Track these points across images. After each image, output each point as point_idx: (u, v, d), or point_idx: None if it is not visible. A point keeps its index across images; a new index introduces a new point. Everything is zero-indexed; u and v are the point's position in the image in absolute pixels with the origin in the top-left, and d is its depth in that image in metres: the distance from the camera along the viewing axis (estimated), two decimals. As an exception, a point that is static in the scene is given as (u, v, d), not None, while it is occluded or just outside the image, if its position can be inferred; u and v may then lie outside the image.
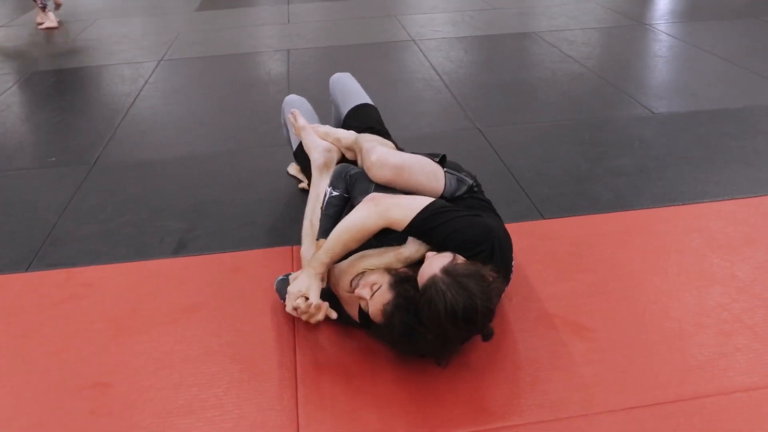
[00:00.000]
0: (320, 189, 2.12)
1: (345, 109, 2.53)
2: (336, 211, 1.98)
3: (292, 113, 2.38)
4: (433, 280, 1.51)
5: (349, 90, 2.59)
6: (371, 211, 1.74)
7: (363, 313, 1.71)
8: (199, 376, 1.77)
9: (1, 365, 1.85)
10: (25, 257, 2.38)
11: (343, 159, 2.25)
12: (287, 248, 2.36)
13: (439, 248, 1.68)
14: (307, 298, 1.73)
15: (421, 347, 1.58)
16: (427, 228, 1.68)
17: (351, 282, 1.73)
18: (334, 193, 2.01)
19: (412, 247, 1.72)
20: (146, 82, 4.32)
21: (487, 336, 1.57)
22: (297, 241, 2.20)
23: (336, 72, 2.74)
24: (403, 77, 4.23)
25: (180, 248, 2.41)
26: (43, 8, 5.93)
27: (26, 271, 2.32)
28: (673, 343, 1.81)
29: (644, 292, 2.02)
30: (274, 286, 2.01)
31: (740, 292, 2.01)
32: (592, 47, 4.76)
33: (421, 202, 1.72)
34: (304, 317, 1.77)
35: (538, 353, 1.79)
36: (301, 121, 2.34)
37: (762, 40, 4.68)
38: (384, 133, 2.38)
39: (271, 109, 3.65)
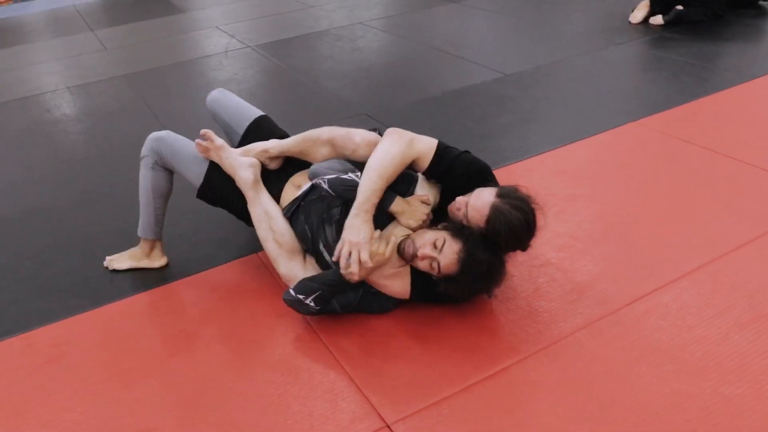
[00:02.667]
0: (265, 205, 2.03)
1: (241, 127, 2.29)
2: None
3: (204, 135, 2.07)
4: (497, 207, 1.70)
5: (236, 106, 2.35)
6: (401, 142, 1.84)
7: (420, 278, 1.81)
8: (250, 395, 1.75)
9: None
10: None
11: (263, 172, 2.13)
12: (254, 256, 2.34)
13: (451, 181, 1.88)
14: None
15: (495, 279, 1.73)
16: (449, 158, 1.86)
17: (403, 250, 1.79)
18: (351, 176, 1.93)
19: (428, 190, 1.90)
20: None
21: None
22: (251, 249, 2.28)
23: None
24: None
25: (141, 283, 2.28)
26: None
27: (-30, 351, 2.04)
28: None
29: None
30: (289, 297, 1.88)
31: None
32: (421, 27, 5.15)
33: (430, 139, 1.92)
34: (354, 268, 1.77)
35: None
36: (219, 140, 2.09)
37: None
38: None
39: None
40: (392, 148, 1.84)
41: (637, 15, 4.74)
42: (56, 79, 4.78)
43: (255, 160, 2.10)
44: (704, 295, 1.92)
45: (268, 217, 2.02)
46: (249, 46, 5.09)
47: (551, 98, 3.50)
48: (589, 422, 1.54)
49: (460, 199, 1.83)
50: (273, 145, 2.12)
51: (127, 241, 2.43)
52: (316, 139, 2.07)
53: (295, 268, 1.99)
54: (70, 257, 2.48)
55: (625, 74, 3.80)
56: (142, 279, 2.29)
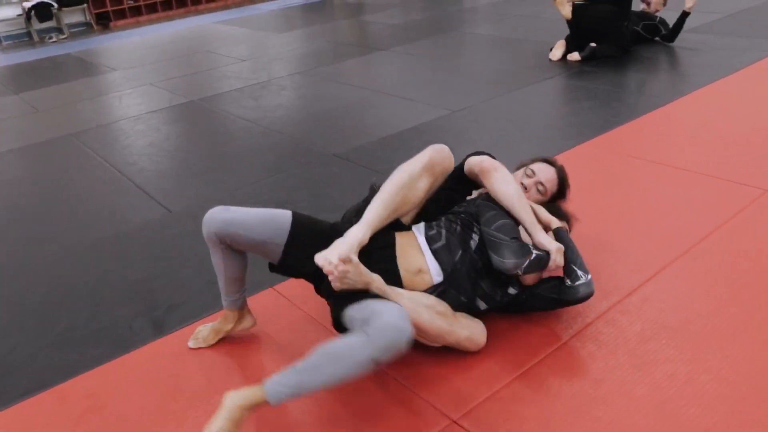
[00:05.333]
0: (408, 295, 1.81)
1: (280, 236, 1.89)
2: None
3: (347, 260, 1.70)
4: (560, 173, 2.26)
5: (258, 218, 1.90)
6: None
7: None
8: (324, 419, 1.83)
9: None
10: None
11: None
12: (268, 290, 2.42)
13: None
14: None
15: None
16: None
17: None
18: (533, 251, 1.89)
19: None
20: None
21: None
22: (269, 282, 2.38)
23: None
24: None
25: (159, 328, 2.30)
26: None
27: (1, 410, 2.00)
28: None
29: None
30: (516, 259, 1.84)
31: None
32: (360, 74, 5.42)
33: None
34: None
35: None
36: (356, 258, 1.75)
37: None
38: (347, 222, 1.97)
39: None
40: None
41: (556, 53, 5.23)
42: (-5, 143, 4.64)
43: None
44: (687, 280, 2.19)
45: (414, 302, 1.79)
46: (193, 100, 5.16)
47: (504, 129, 3.82)
48: (626, 396, 1.74)
49: (528, 182, 2.21)
50: (362, 231, 1.82)
51: (122, 289, 2.48)
52: (411, 180, 1.87)
53: (467, 326, 1.88)
54: (73, 310, 2.46)
55: (562, 103, 4.20)
56: (162, 322, 2.31)
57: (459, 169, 2.14)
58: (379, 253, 1.87)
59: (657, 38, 5.40)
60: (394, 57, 5.90)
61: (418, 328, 1.74)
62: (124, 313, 2.40)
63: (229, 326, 2.12)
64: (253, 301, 2.37)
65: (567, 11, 5.06)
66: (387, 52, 6.13)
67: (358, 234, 1.81)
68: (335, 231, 1.90)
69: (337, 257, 1.70)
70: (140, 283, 2.59)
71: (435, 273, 1.88)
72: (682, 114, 3.73)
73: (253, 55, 6.64)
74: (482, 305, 1.94)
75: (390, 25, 7.45)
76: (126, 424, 1.85)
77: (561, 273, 1.97)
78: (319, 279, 1.87)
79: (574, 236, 2.12)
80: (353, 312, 1.70)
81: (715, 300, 2.08)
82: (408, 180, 1.86)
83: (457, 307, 1.90)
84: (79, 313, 2.43)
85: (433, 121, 4.07)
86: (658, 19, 5.35)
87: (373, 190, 2.06)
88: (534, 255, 1.85)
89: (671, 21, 5.25)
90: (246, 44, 7.28)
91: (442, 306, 1.84)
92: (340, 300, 1.77)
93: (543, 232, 1.94)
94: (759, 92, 3.92)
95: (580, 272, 1.93)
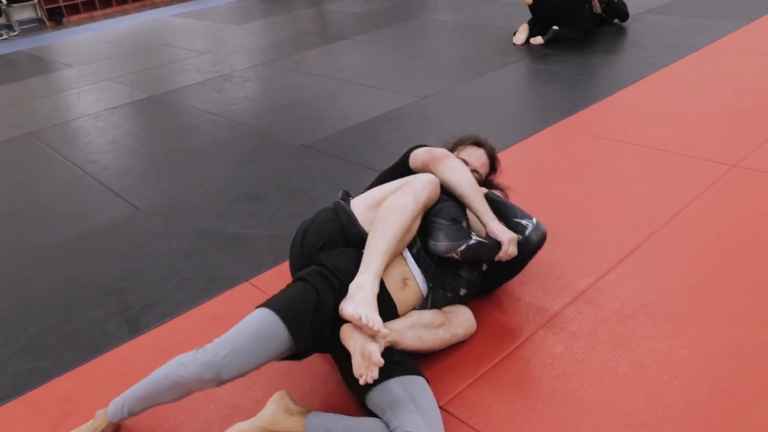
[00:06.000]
0: (408, 327, 1.77)
1: (285, 343, 1.65)
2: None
3: (383, 336, 1.61)
4: (489, 150, 2.30)
5: (259, 342, 1.62)
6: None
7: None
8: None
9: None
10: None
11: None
12: (245, 284, 2.39)
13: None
14: None
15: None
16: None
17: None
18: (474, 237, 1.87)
19: None
20: None
21: None
22: (243, 276, 2.34)
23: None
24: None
25: (134, 328, 2.25)
26: None
27: (-33, 420, 1.92)
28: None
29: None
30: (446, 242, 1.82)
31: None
32: (323, 63, 5.36)
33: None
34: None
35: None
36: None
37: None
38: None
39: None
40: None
41: (519, 37, 5.25)
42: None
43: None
44: (661, 258, 2.23)
45: (415, 330, 1.78)
46: (154, 95, 5.04)
47: (471, 114, 3.82)
48: (609, 374, 1.76)
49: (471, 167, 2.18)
50: (374, 286, 1.70)
51: (94, 290, 2.43)
52: (412, 220, 1.81)
53: (461, 323, 1.90)
54: (43, 315, 2.38)
55: (528, 87, 4.22)
56: (137, 322, 2.26)
57: (403, 164, 2.10)
58: None
59: (617, 21, 5.47)
60: (357, 45, 5.86)
61: (425, 351, 1.81)
62: (96, 315, 2.34)
63: None
64: (230, 296, 2.34)
65: (528, -4, 5.09)
66: (350, 40, 6.08)
67: (374, 291, 1.68)
68: (336, 295, 1.72)
69: (374, 357, 1.54)
70: (112, 283, 2.52)
71: (420, 280, 1.86)
72: (646, 94, 3.79)
73: (213, 47, 6.52)
74: (464, 292, 1.95)
75: (351, 14, 7.39)
76: (105, 428, 1.80)
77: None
78: (335, 342, 1.72)
79: (549, 216, 2.13)
80: (375, 398, 1.62)
81: (690, 276, 2.11)
82: (410, 221, 1.80)
83: (445, 304, 1.92)
84: (49, 317, 2.36)
85: (400, 108, 4.05)
86: (617, 1, 5.41)
87: (345, 197, 2.02)
88: (474, 241, 1.83)
89: (632, 2, 5.31)
90: (205, 37, 7.14)
91: (438, 317, 1.85)
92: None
93: (497, 221, 1.91)
94: (719, 71, 4.00)
95: (524, 221, 1.94)
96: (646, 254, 2.26)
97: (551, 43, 5.08)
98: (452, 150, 2.23)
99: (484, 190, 2.07)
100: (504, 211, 1.98)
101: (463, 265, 1.93)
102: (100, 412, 1.75)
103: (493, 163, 2.29)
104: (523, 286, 2.16)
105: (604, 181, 2.81)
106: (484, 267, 2.01)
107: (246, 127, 4.08)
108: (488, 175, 2.28)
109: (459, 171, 1.96)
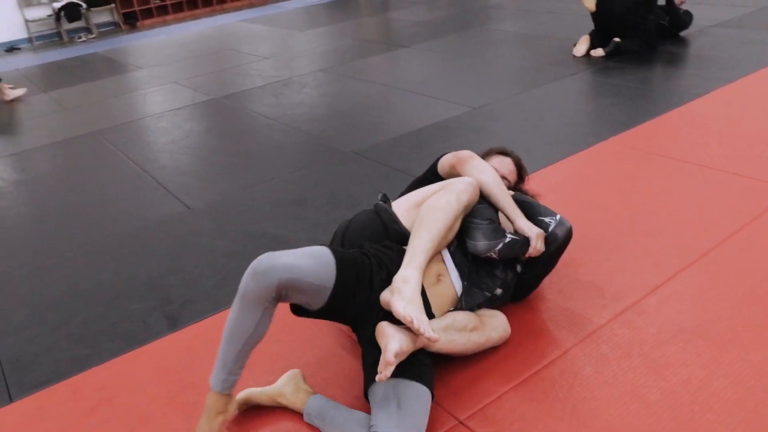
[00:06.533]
0: (446, 326, 1.77)
1: (328, 279, 1.65)
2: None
3: (432, 339, 1.58)
4: (516, 160, 2.31)
5: (310, 260, 1.63)
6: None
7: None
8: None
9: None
10: (-5, 391, 2.08)
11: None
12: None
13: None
14: None
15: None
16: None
17: None
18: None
19: None
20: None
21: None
22: None
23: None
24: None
25: (173, 323, 2.32)
26: None
27: (12, 401, 2.03)
28: (636, 246, 2.37)
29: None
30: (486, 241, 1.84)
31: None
32: (381, 71, 5.41)
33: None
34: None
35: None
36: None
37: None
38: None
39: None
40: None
41: (580, 48, 5.15)
42: (23, 139, 4.74)
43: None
44: (707, 281, 2.13)
45: (449, 333, 1.76)
46: (215, 98, 5.20)
47: (523, 126, 3.77)
48: (638, 401, 1.69)
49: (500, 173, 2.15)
50: (419, 279, 1.69)
51: (138, 284, 2.53)
52: (454, 220, 1.82)
53: (496, 326, 1.89)
54: (90, 305, 2.49)
55: (585, 100, 4.13)
56: (177, 317, 2.33)
57: (432, 171, 2.14)
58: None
59: (680, 33, 5.28)
60: (417, 54, 5.88)
61: (455, 354, 1.80)
62: (139, 308, 2.43)
63: (221, 417, 1.68)
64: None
65: (591, 3, 4.98)
66: (409, 48, 6.10)
67: (419, 285, 1.67)
68: (373, 271, 1.75)
69: (387, 355, 1.54)
70: (156, 279, 2.61)
71: (454, 276, 1.86)
72: (708, 111, 3.64)
73: (276, 52, 6.67)
74: (500, 292, 1.94)
75: (414, 22, 7.41)
76: (136, 416, 1.87)
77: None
78: (361, 321, 1.75)
79: (595, 230, 2.07)
80: (372, 393, 1.64)
81: (735, 303, 2.02)
82: (453, 220, 1.81)
83: (481, 304, 1.91)
84: (95, 308, 2.47)
85: (452, 117, 4.04)
86: (682, 12, 5.23)
87: (384, 200, 2.04)
88: (509, 238, 1.87)
89: (700, 15, 5.13)
90: (270, 42, 7.32)
91: (472, 321, 1.83)
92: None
93: (524, 218, 1.94)
94: (789, 88, 3.81)
95: (547, 219, 1.97)
96: (690, 277, 2.17)
97: (612, 56, 4.95)
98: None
99: (512, 192, 2.07)
100: (529, 210, 1.99)
101: (498, 266, 1.93)
102: (213, 398, 1.65)
103: (521, 172, 2.30)
104: (563, 299, 2.12)
105: (655, 198, 2.72)
106: (519, 268, 2.00)
107: (300, 132, 4.15)
108: (517, 183, 2.29)
109: (485, 171, 1.98)
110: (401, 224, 1.90)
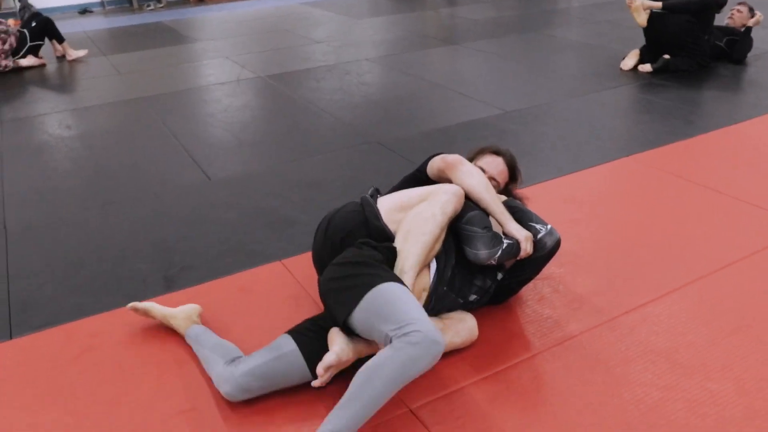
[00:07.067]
0: None
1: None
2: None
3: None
4: (507, 158, 2.29)
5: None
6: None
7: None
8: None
9: (69, 421, 1.80)
10: (-1, 327, 2.24)
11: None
12: (275, 263, 2.52)
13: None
14: None
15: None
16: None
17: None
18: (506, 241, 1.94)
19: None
20: (2, 146, 4.01)
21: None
22: (279, 255, 2.44)
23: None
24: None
25: (170, 284, 2.44)
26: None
27: (11, 338, 2.19)
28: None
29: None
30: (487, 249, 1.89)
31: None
32: (424, 65, 5.44)
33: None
34: None
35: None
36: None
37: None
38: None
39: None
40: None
41: (628, 62, 5.05)
42: (75, 98, 4.98)
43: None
44: (692, 307, 2.11)
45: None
46: (260, 76, 5.34)
47: (550, 134, 3.75)
48: (591, 414, 1.71)
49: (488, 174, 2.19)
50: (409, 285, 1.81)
51: (146, 245, 2.66)
52: (441, 230, 1.91)
53: (460, 331, 1.93)
54: (101, 261, 2.63)
55: (617, 114, 4.07)
56: (174, 280, 2.45)
57: (421, 170, 2.18)
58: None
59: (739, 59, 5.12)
60: (464, 52, 5.87)
61: None
62: (142, 268, 2.56)
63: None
64: (260, 272, 2.48)
65: (642, 19, 4.87)
66: (458, 46, 6.11)
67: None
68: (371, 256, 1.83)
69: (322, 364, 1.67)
70: (163, 242, 2.74)
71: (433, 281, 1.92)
72: (741, 138, 3.54)
73: (329, 38, 6.77)
74: (474, 298, 1.98)
75: (474, 20, 7.38)
76: (116, 366, 1.99)
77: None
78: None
79: (598, 243, 2.08)
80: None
81: (712, 332, 2.00)
82: (439, 231, 1.90)
83: (452, 308, 1.96)
84: (102, 263, 2.61)
85: (482, 118, 4.04)
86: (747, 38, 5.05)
87: (374, 194, 2.11)
88: (505, 244, 1.91)
89: (760, 40, 4.95)
90: (325, 27, 7.42)
91: (437, 324, 1.88)
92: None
93: (513, 222, 1.98)
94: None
95: (538, 226, 1.99)
96: (675, 301, 2.15)
97: (660, 72, 4.85)
98: (472, 158, 2.27)
99: (503, 197, 2.09)
100: (521, 216, 2.02)
101: (478, 274, 1.97)
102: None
103: (513, 173, 2.30)
104: (541, 306, 2.16)
105: (661, 219, 2.68)
106: (499, 276, 2.03)
107: (331, 118, 4.24)
108: (508, 184, 2.30)
109: (473, 176, 2.02)
110: (382, 221, 1.97)
